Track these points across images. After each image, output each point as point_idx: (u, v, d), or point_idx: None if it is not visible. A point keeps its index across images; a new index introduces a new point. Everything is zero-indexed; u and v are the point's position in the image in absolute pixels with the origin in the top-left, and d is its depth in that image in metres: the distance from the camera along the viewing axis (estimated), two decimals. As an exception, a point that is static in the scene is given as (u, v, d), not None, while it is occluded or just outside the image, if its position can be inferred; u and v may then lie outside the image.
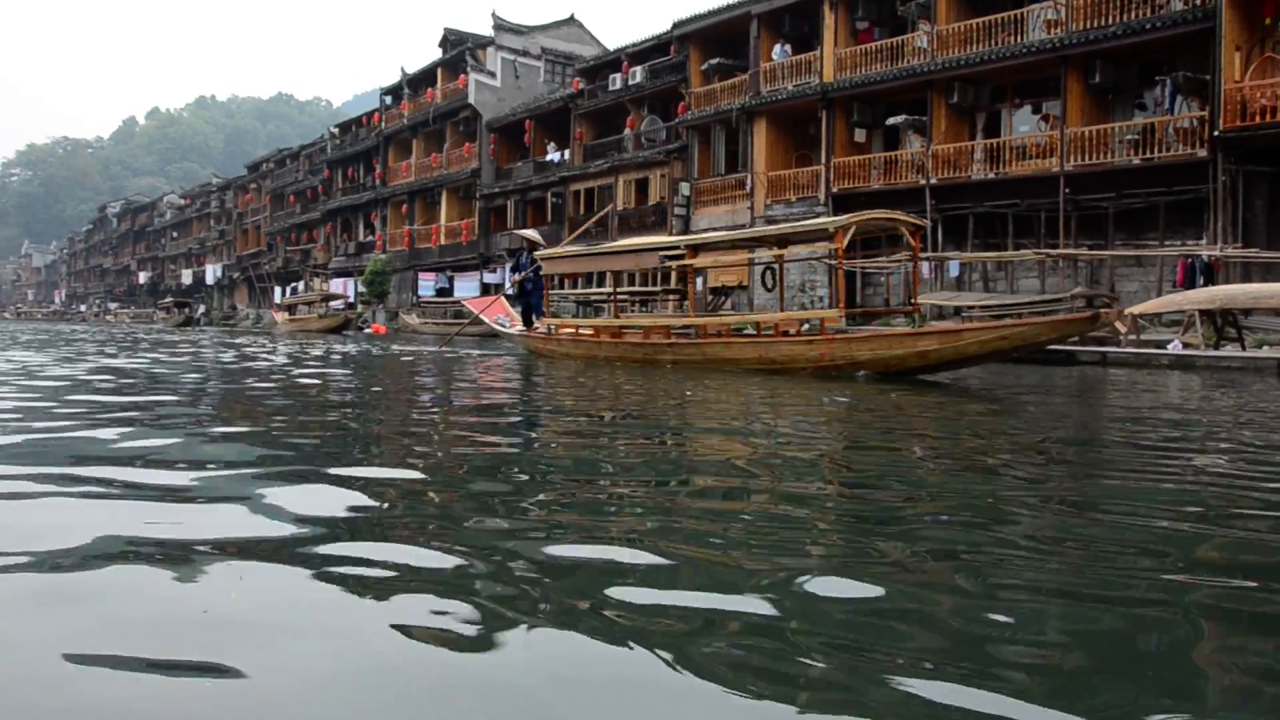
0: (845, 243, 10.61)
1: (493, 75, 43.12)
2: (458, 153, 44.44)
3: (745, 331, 14.29)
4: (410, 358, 14.69)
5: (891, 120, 25.43)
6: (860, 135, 26.79)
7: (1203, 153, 19.86)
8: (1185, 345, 15.77)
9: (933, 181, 24.06)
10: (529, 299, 16.94)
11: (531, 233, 18.00)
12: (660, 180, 32.39)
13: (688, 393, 8.17)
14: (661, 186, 32.24)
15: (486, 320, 17.72)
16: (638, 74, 33.77)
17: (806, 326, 13.25)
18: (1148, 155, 20.89)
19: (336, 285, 50.44)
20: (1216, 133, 19.02)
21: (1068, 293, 19.03)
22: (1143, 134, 21.18)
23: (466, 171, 43.31)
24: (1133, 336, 16.48)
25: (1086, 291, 19.19)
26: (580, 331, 14.69)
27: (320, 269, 55.55)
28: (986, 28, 23.62)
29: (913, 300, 12.60)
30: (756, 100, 28.12)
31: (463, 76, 43.51)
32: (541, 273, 15.32)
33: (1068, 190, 21.70)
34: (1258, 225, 19.59)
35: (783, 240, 12.26)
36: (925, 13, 24.75)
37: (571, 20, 46.06)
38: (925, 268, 24.47)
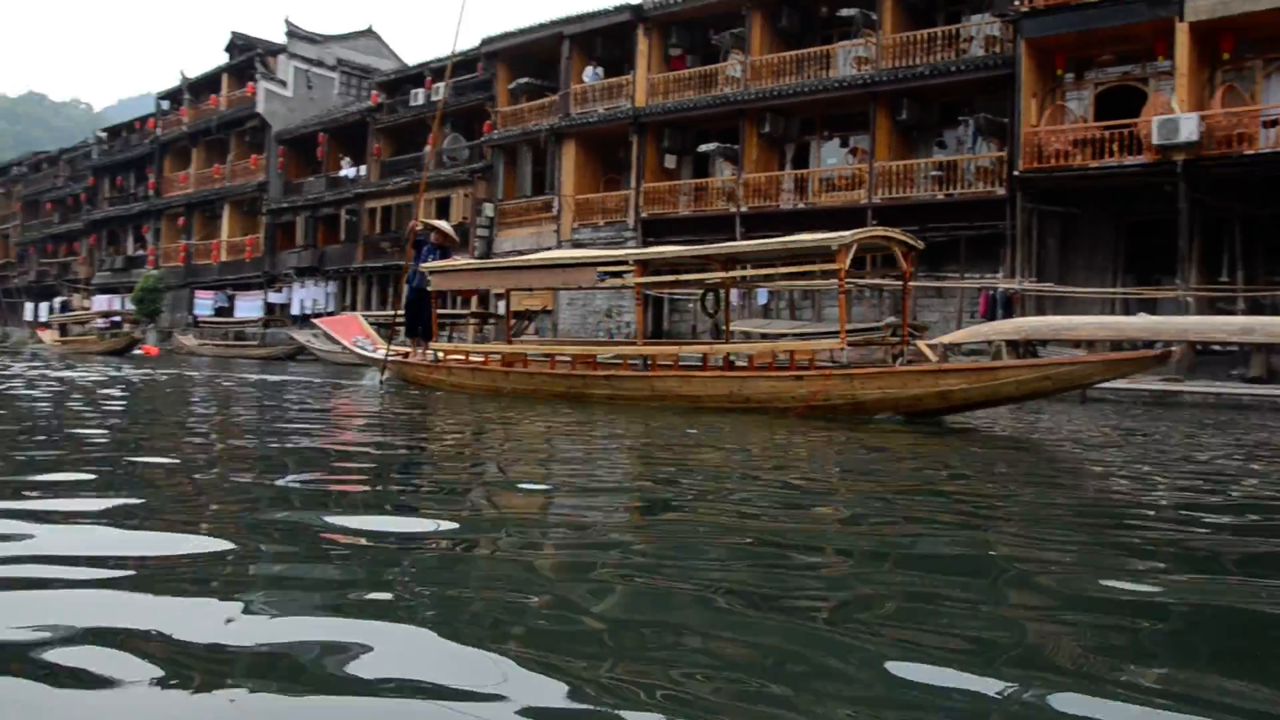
0: (848, 261, 8.92)
1: (284, 84, 40.95)
2: (243, 164, 41.83)
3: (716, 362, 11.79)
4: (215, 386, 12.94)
5: (703, 147, 25.40)
6: (671, 161, 26.67)
7: (1001, 191, 20.63)
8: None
9: (743, 209, 24.09)
10: (418, 311, 13.17)
11: (444, 224, 13.78)
12: (463, 200, 31.31)
13: (675, 436, 6.61)
14: (464, 206, 31.16)
15: (344, 343, 14.57)
16: (440, 90, 32.66)
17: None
18: (950, 191, 21.54)
19: (100, 302, 46.39)
20: (1016, 173, 19.77)
21: (880, 322, 19.21)
22: (946, 170, 21.86)
23: (252, 185, 40.83)
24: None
25: (896, 321, 19.41)
26: (471, 358, 12.43)
27: (81, 284, 51.07)
28: (797, 61, 23.96)
29: (901, 328, 11.14)
30: (566, 122, 27.57)
31: (251, 84, 41.07)
32: (430, 288, 12.39)
33: (875, 222, 22.08)
34: (1051, 261, 20.46)
35: (768, 258, 10.29)
36: (739, 42, 24.91)
37: (370, 32, 44.47)
38: (734, 295, 24.48)
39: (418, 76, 35.10)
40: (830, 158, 24.86)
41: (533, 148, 29.28)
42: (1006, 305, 19.78)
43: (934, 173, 22.01)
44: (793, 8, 24.70)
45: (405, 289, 13.31)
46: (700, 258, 10.68)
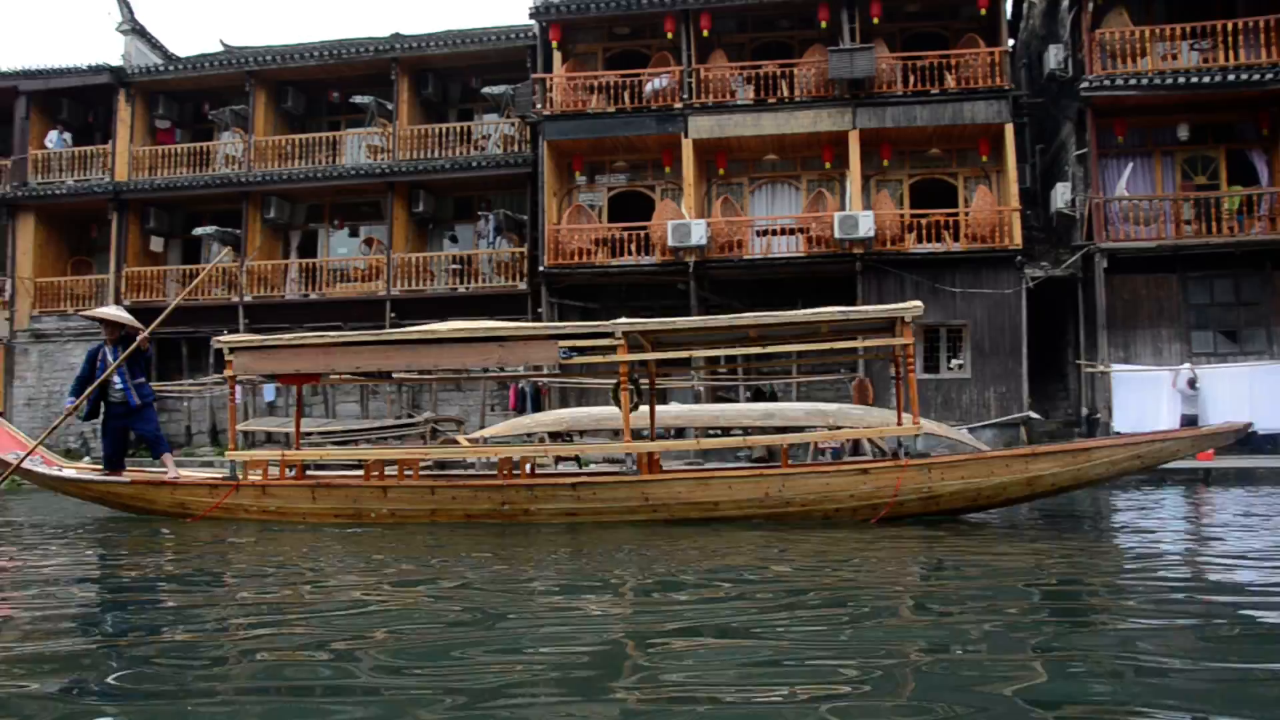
0: (911, 340, 7.79)
1: None
2: None
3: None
4: None
5: (198, 230, 23.02)
6: (158, 244, 23.83)
7: (523, 286, 20.96)
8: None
9: (247, 299, 22.10)
10: (132, 417, 9.25)
11: (114, 311, 9.63)
12: None
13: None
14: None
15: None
16: None
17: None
18: (470, 285, 21.48)
19: None
20: (541, 269, 20.18)
21: (421, 416, 18.44)
22: (464, 264, 21.79)
23: None
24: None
25: (434, 416, 18.76)
26: (297, 469, 8.89)
27: None
28: (304, 145, 22.75)
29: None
30: (24, 192, 23.60)
31: None
32: (236, 374, 8.57)
33: (394, 315, 21.36)
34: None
35: (808, 331, 8.52)
36: (239, 120, 23.11)
37: None
38: (238, 391, 22.23)
39: None
40: (340, 247, 23.75)
41: (-28, 220, 24.70)
42: (535, 397, 19.98)
43: (453, 266, 21.85)
44: (299, 89, 23.49)
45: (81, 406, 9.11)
46: (712, 329, 8.36)
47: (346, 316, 21.87)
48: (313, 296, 22.11)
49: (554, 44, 20.72)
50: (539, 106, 20.56)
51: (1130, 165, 18.76)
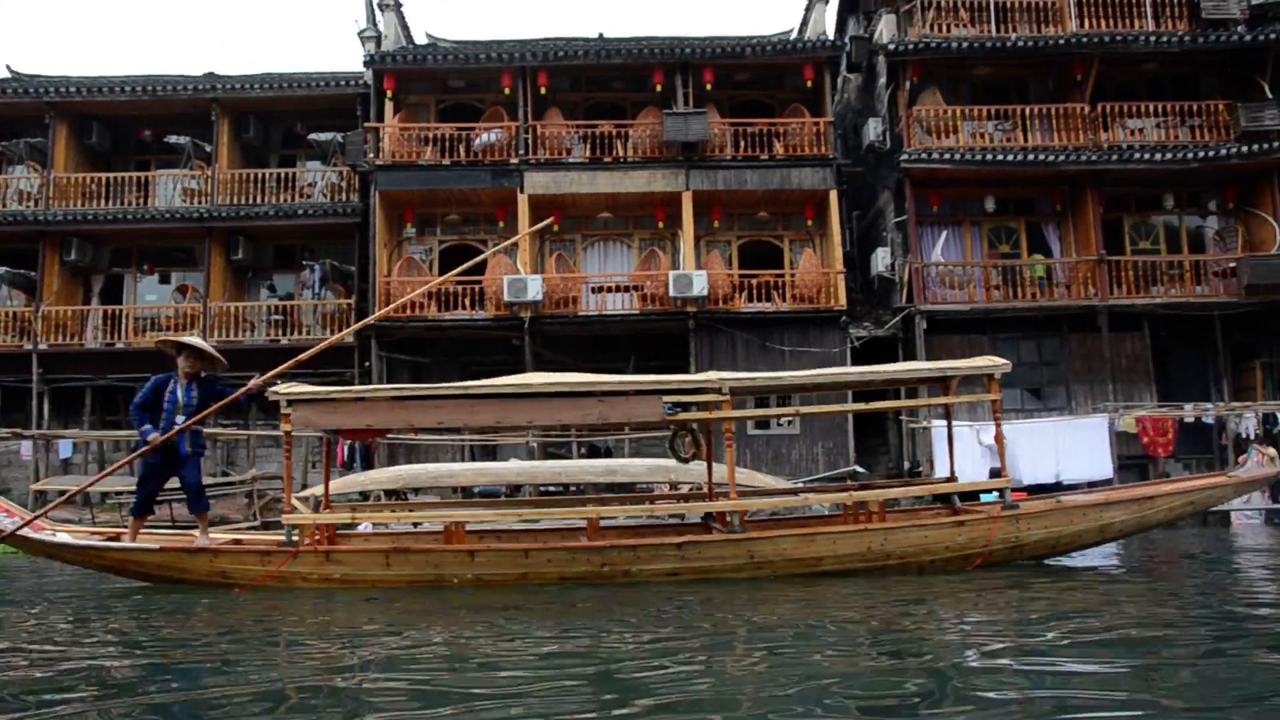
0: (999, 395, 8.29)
1: None
2: None
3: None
4: None
5: (-13, 271, 21.23)
6: (-66, 285, 21.81)
7: (350, 338, 20.30)
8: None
9: (42, 347, 20.49)
10: (181, 465, 8.10)
11: (203, 343, 8.35)
12: None
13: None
14: None
15: None
16: None
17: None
18: (294, 337, 20.65)
19: None
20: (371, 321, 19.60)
21: (247, 474, 17.48)
22: (286, 315, 20.95)
23: None
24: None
25: (258, 474, 17.84)
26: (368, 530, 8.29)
27: None
28: (111, 184, 21.41)
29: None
30: None
31: None
32: (294, 429, 7.73)
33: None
34: (401, 410, 20.45)
35: (898, 384, 9.27)
36: (35, 154, 21.53)
37: None
38: (26, 448, 20.53)
39: None
40: (150, 294, 22.37)
41: None
42: (365, 453, 19.33)
43: (276, 317, 20.96)
44: (106, 125, 22.13)
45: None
46: (814, 385, 8.84)
47: (156, 368, 20.51)
48: (118, 345, 20.69)
49: (388, 93, 20.38)
50: (371, 156, 20.13)
51: (945, 233, 20.05)
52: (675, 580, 7.56)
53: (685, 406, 7.88)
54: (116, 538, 8.44)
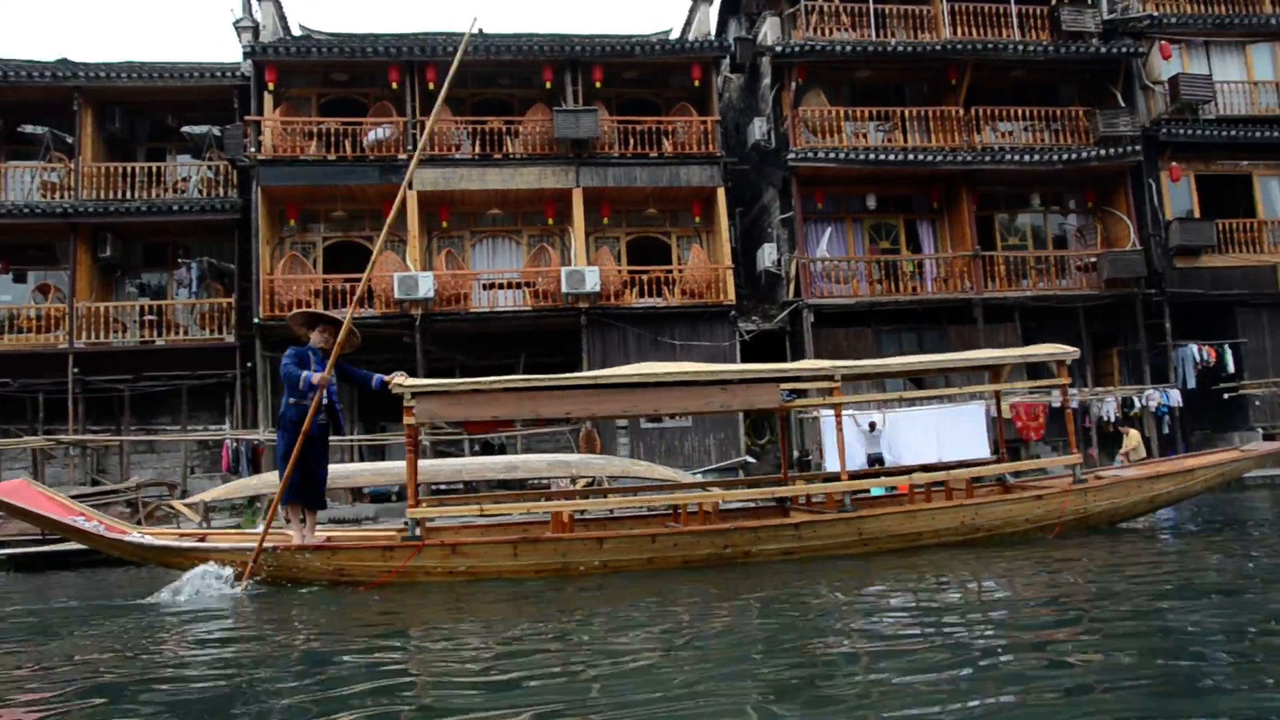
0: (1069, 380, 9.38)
1: None
2: None
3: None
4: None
5: None
6: None
7: (231, 339, 19.63)
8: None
9: (-114, 351, 19.07)
10: (308, 462, 7.76)
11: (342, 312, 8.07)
12: None
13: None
14: None
15: (60, 520, 7.72)
16: None
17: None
18: (169, 337, 19.81)
19: None
20: (256, 320, 19.00)
21: (131, 482, 16.64)
22: (159, 315, 20.08)
23: None
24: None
25: (144, 481, 17.04)
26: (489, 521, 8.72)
27: None
28: (-41, 177, 20.10)
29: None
30: None
31: None
32: (419, 421, 7.83)
33: (77, 370, 19.26)
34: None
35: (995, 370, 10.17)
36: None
37: None
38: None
39: None
40: (4, 294, 21.05)
41: None
42: (252, 457, 18.69)
43: (148, 317, 20.04)
44: (-50, 114, 20.76)
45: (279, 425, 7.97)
46: (905, 371, 9.91)
47: (15, 372, 19.46)
48: (-27, 349, 19.44)
49: (269, 86, 19.73)
50: (252, 150, 19.47)
51: (829, 229, 20.71)
52: (789, 559, 7.94)
53: (800, 393, 8.67)
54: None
